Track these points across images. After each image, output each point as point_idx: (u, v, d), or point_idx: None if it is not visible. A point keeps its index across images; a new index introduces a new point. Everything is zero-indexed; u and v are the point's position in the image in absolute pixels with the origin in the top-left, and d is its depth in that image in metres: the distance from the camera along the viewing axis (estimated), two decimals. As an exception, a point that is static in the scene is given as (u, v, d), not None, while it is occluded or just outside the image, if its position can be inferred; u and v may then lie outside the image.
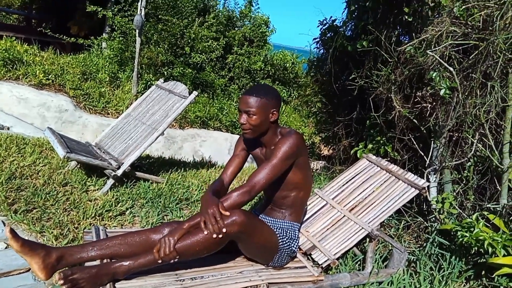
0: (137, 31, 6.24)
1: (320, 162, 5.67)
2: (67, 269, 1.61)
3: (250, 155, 2.18)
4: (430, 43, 2.86)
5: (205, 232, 1.69)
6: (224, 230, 1.70)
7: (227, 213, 1.72)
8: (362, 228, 2.25)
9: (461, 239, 2.37)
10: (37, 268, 1.64)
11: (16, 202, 2.60)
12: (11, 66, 5.82)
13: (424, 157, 3.15)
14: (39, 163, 3.25)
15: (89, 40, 7.90)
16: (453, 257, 2.44)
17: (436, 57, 2.74)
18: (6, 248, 2.18)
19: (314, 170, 5.11)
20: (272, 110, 1.92)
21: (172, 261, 1.70)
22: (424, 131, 3.16)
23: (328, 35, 4.56)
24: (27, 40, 7.56)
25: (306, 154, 2.02)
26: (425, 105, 3.09)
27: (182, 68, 7.61)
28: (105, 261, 1.76)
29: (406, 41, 3.46)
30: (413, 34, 3.23)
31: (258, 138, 2.01)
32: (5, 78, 5.66)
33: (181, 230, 1.72)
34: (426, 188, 2.33)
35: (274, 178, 1.88)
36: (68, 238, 2.28)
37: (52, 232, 2.30)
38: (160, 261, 1.69)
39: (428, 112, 3.07)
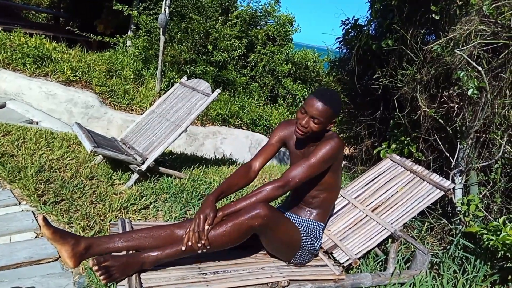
0: (161, 29, 6.34)
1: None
2: (100, 256, 1.67)
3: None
4: (458, 42, 2.81)
5: (183, 245, 1.72)
6: (205, 249, 1.72)
7: (206, 228, 1.72)
8: (385, 228, 2.23)
9: (487, 243, 2.32)
10: (66, 256, 1.70)
11: (45, 194, 2.69)
12: (40, 63, 6.01)
13: (450, 158, 3.09)
14: (67, 156, 3.35)
15: (114, 38, 8.07)
16: (478, 260, 2.39)
17: (464, 56, 2.69)
18: (36, 237, 2.26)
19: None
20: (333, 121, 1.91)
21: (200, 251, 1.73)
22: (450, 132, 3.10)
23: (351, 34, 4.53)
24: (55, 38, 7.77)
25: (342, 158, 2.01)
26: (451, 105, 3.04)
27: (204, 66, 7.69)
28: (131, 252, 1.81)
29: (432, 40, 3.40)
30: (440, 33, 3.17)
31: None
32: (34, 74, 5.85)
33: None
34: (452, 190, 2.29)
35: (309, 178, 1.87)
36: (94, 229, 2.35)
37: (79, 224, 2.37)
38: (184, 248, 1.72)
39: (455, 112, 3.02)
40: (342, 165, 5.20)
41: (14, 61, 5.84)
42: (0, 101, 5.35)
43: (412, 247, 2.61)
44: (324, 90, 1.91)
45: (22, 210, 2.51)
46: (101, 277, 1.61)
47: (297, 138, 1.99)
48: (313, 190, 2.03)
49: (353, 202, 2.49)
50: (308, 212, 2.09)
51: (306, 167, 1.84)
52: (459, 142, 3.02)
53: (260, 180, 3.88)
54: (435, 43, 2.94)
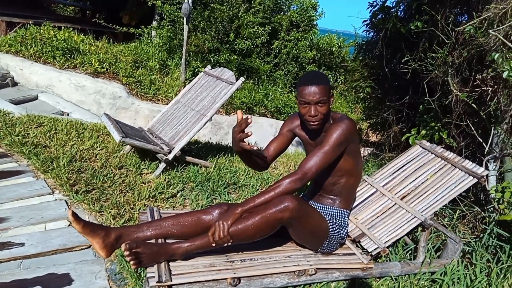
0: (184, 19, 6.35)
1: (368, 148, 5.53)
2: (133, 241, 1.70)
3: (296, 139, 2.15)
4: (493, 22, 2.67)
5: (210, 239, 1.72)
6: (229, 242, 1.72)
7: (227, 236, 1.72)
8: (415, 216, 2.17)
9: (523, 231, 2.23)
10: (98, 247, 1.75)
11: (77, 183, 2.77)
12: (69, 55, 6.17)
13: (483, 144, 2.97)
14: (97, 147, 3.44)
15: (139, 29, 8.17)
16: (514, 249, 2.30)
17: (500, 37, 2.56)
18: (69, 225, 2.34)
19: (362, 157, 4.99)
20: (332, 95, 1.90)
21: (225, 244, 1.75)
22: (484, 116, 2.97)
23: (379, 16, 4.39)
24: (83, 31, 7.94)
25: (357, 140, 1.97)
26: (485, 88, 2.90)
27: (228, 55, 7.68)
28: (159, 240, 1.85)
29: (465, 21, 3.25)
30: (473, 13, 3.02)
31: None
32: (64, 67, 6.01)
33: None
34: (485, 177, 2.20)
35: (326, 165, 1.85)
36: (124, 217, 2.41)
37: (110, 212, 2.44)
38: (214, 244, 1.73)
39: (489, 96, 2.88)
40: (370, 152, 5.12)
41: (44, 54, 6.02)
42: (33, 93, 5.53)
43: (443, 235, 2.55)
44: (306, 76, 1.89)
45: (56, 199, 2.61)
46: (131, 262, 1.65)
47: (309, 129, 1.97)
48: (333, 177, 2.00)
49: (381, 190, 2.44)
50: (331, 200, 2.07)
51: (321, 155, 1.81)
52: (493, 127, 2.89)
53: (286, 169, 3.87)
54: (467, 24, 2.80)
